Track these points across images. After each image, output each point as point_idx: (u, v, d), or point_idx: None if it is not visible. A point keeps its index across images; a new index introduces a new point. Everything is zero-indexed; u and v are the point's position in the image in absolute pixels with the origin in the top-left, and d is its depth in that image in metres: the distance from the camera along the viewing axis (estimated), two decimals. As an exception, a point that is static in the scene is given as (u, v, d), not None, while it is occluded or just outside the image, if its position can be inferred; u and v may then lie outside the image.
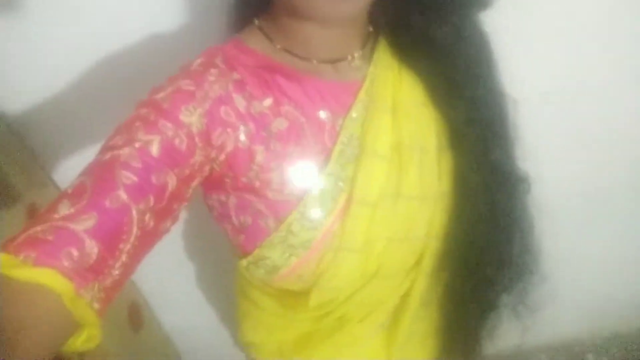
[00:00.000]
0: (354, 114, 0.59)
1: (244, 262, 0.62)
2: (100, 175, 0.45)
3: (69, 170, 0.93)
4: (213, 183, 0.57)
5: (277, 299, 0.69)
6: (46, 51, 0.82)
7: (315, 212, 0.56)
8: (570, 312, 1.55)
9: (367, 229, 0.58)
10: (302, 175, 0.56)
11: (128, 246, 0.44)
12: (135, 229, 0.45)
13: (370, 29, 0.65)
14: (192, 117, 0.50)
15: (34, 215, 0.79)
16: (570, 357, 1.63)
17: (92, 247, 0.41)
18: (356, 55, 0.62)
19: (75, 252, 0.40)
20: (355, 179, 0.57)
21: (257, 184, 0.55)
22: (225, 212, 0.59)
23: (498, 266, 0.68)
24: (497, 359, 1.60)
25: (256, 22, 0.62)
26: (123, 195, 0.44)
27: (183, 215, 1.01)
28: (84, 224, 0.41)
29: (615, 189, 1.24)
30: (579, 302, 1.52)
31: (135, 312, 1.07)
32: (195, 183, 0.52)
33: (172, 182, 0.48)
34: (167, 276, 1.17)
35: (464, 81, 0.62)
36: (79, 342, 0.42)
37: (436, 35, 0.60)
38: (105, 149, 0.48)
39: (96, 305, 0.42)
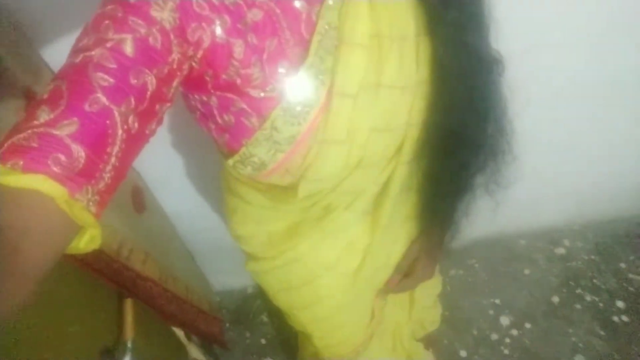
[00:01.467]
0: (330, 1, 0.56)
1: (230, 161, 0.62)
2: (75, 78, 0.43)
3: (64, 55, 0.91)
4: (193, 82, 0.55)
5: (266, 193, 0.70)
6: None
7: (297, 107, 0.56)
8: (549, 200, 1.64)
9: (350, 120, 0.58)
10: (282, 69, 0.54)
11: (116, 149, 0.44)
12: (120, 132, 0.44)
13: None
14: (163, 13, 0.47)
15: (31, 99, 0.77)
16: (547, 242, 1.74)
17: (79, 152, 0.40)
18: None
19: (62, 158, 0.39)
20: (335, 70, 0.56)
21: (238, 80, 0.53)
22: (208, 112, 0.58)
23: (473, 148, 0.68)
24: (479, 244, 1.72)
25: None
26: (102, 98, 0.42)
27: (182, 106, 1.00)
28: (67, 129, 0.40)
29: (603, 79, 1.24)
30: (558, 190, 1.60)
31: (138, 195, 1.10)
32: (175, 83, 0.50)
33: (151, 82, 0.46)
34: (168, 163, 1.18)
35: None
36: (82, 243, 0.43)
37: None
38: (75, 51, 0.45)
39: (92, 209, 0.42)
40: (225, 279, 1.71)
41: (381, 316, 1.00)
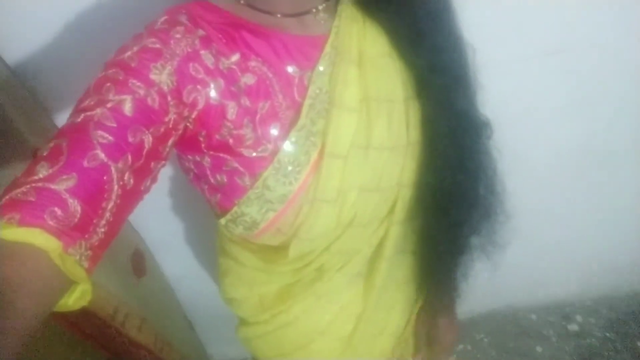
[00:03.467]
0: (321, 67, 0.60)
1: (222, 221, 0.63)
2: (75, 136, 0.44)
3: None
4: (188, 143, 0.57)
5: (258, 254, 0.70)
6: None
7: (289, 167, 0.57)
8: (560, 274, 1.60)
9: (340, 180, 0.59)
10: (274, 130, 0.57)
11: (111, 204, 0.45)
12: (116, 187, 0.45)
13: None
14: (161, 75, 0.50)
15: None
16: (559, 317, 1.68)
17: (75, 206, 0.41)
18: (320, 7, 0.61)
19: (59, 212, 0.40)
20: (326, 132, 0.58)
21: (231, 140, 0.55)
22: (201, 173, 0.60)
23: (466, 209, 0.69)
24: (488, 318, 1.66)
25: None
26: (101, 154, 0.44)
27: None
28: (65, 184, 0.41)
29: (612, 149, 1.25)
30: (570, 263, 1.56)
31: (139, 259, 1.09)
32: (171, 142, 0.52)
33: (148, 140, 0.48)
34: (170, 226, 1.19)
35: (425, 30, 0.62)
36: (72, 299, 0.43)
37: None
38: (76, 111, 0.47)
39: (85, 264, 0.42)
40: (224, 348, 1.65)
41: None
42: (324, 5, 0.61)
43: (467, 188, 0.68)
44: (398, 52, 0.64)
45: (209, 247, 1.29)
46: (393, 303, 0.81)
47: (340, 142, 0.59)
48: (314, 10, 0.61)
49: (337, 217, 0.62)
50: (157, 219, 1.15)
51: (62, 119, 0.94)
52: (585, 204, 1.38)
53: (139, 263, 1.09)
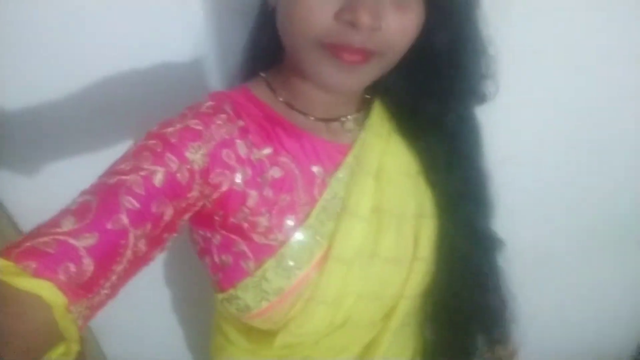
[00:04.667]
0: (340, 174, 0.63)
1: (219, 297, 0.63)
2: (106, 197, 0.47)
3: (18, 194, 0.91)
4: (202, 219, 0.59)
5: (246, 335, 0.71)
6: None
7: (290, 262, 0.59)
8: (554, 334, 1.53)
9: (341, 285, 0.60)
10: (288, 223, 0.59)
11: (120, 268, 0.46)
12: (129, 252, 0.47)
13: (367, 96, 0.70)
14: (196, 155, 0.53)
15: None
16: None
17: (89, 265, 0.43)
18: (350, 117, 0.67)
19: (72, 268, 0.42)
20: (335, 236, 0.60)
21: (245, 225, 0.58)
22: (207, 248, 0.61)
23: (478, 319, 0.73)
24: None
25: (263, 74, 0.67)
26: (125, 219, 0.46)
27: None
28: (85, 242, 0.43)
29: (596, 237, 1.24)
30: (553, 349, 1.51)
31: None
32: (187, 216, 0.55)
33: (168, 212, 0.51)
34: (114, 309, 1.12)
35: (458, 161, 0.67)
36: (55, 355, 0.42)
37: (442, 121, 0.66)
38: (111, 172, 0.50)
39: (80, 322, 0.43)
40: None
41: None
42: (354, 116, 0.67)
43: (480, 301, 0.71)
44: (425, 174, 0.68)
45: (155, 326, 1.23)
46: None
47: (347, 248, 0.61)
48: (343, 119, 0.66)
49: (331, 318, 0.62)
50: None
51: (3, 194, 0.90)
52: (573, 294, 1.35)
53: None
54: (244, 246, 0.58)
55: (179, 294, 1.16)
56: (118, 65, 0.82)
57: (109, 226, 0.45)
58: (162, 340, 1.25)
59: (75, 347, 0.43)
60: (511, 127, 0.88)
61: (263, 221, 0.58)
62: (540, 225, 1.15)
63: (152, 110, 0.58)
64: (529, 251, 1.09)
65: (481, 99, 0.67)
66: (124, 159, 0.52)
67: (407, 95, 0.67)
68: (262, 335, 0.67)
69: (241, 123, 0.59)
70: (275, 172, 0.59)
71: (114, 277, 0.46)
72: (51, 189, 0.48)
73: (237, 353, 0.73)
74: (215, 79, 0.86)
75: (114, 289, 0.47)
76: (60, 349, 0.42)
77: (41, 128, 0.85)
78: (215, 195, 0.56)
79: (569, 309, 1.39)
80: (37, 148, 0.87)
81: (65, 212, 0.45)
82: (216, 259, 0.61)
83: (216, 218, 0.58)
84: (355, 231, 0.61)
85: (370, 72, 0.57)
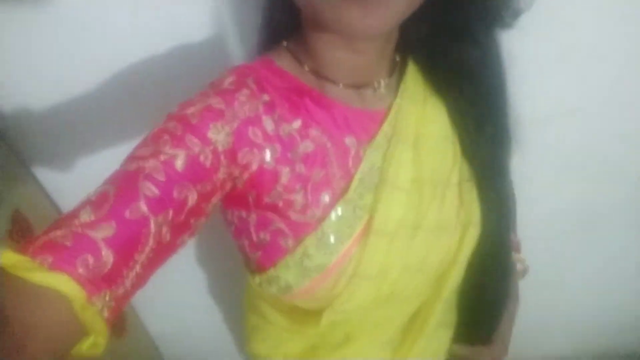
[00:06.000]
0: (375, 145, 0.60)
1: (257, 279, 0.63)
2: (124, 185, 0.45)
3: (58, 175, 0.95)
4: (235, 199, 0.57)
5: (287, 314, 0.69)
6: (37, 55, 0.82)
7: (331, 238, 0.57)
8: (556, 333, 1.56)
9: (384, 258, 0.59)
10: (324, 199, 0.57)
11: (143, 257, 0.44)
12: (151, 241, 0.45)
13: (398, 58, 0.67)
14: (219, 135, 0.51)
15: (18, 220, 0.78)
16: (556, 376, 1.62)
17: (108, 257, 0.41)
18: (382, 82, 0.63)
19: (91, 260, 0.40)
20: (375, 209, 0.58)
21: (280, 204, 0.56)
22: (244, 228, 0.60)
23: (506, 282, 0.74)
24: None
25: (285, 43, 0.63)
26: (143, 207, 0.44)
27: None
28: (103, 233, 0.42)
29: (605, 210, 1.25)
30: (566, 323, 1.53)
31: (119, 319, 1.06)
32: (215, 199, 0.53)
33: (192, 197, 0.48)
34: (155, 282, 1.16)
35: (487, 114, 0.64)
36: (85, 347, 0.42)
37: (467, 57, 0.62)
38: (131, 158, 0.48)
39: (106, 313, 0.42)
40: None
41: None
42: (386, 80, 0.63)
43: (509, 262, 0.73)
44: (457, 137, 0.65)
45: (198, 304, 1.28)
46: None
47: (388, 220, 0.58)
48: (375, 84, 0.62)
49: (376, 293, 0.61)
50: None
51: (43, 176, 0.94)
52: (578, 265, 1.37)
53: (119, 322, 1.06)
54: (281, 224, 0.57)
55: (218, 272, 1.19)
56: (139, 49, 0.83)
57: (127, 215, 0.43)
58: (201, 317, 1.29)
59: (102, 340, 0.42)
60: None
61: (298, 198, 0.56)
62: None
63: (176, 93, 0.56)
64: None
65: (504, 22, 0.61)
66: (144, 143, 0.50)
67: (434, 42, 0.63)
68: (306, 315, 0.66)
69: (266, 97, 0.56)
70: (306, 146, 0.57)
71: (137, 267, 0.44)
72: (92, 179, 0.49)
73: (276, 332, 0.73)
74: (238, 58, 0.85)
75: (140, 279, 0.45)
76: (87, 342, 0.42)
77: (73, 121, 0.89)
78: (245, 176, 0.54)
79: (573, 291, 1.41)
80: (72, 141, 0.91)
81: (84, 203, 0.44)
82: (254, 238, 0.59)
83: (249, 198, 0.57)
84: (395, 203, 0.59)
85: (395, 6, 0.49)
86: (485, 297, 0.72)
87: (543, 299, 1.35)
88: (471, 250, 0.66)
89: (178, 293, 1.23)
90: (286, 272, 0.59)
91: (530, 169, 1.08)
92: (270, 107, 0.56)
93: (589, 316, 1.52)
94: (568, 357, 1.65)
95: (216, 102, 0.52)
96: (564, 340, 1.60)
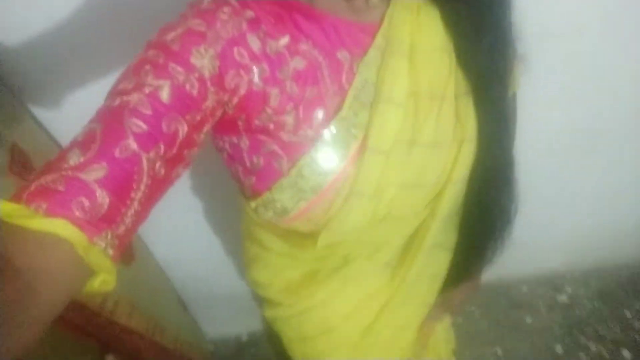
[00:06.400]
0: (369, 58, 0.57)
1: (252, 204, 0.62)
2: (110, 123, 0.43)
3: (54, 110, 0.93)
4: (224, 125, 0.55)
5: (284, 238, 0.69)
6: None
7: (326, 157, 0.55)
8: (551, 247, 1.62)
9: (380, 176, 0.57)
10: (317, 116, 0.55)
11: (139, 194, 0.44)
12: (145, 178, 0.44)
13: None
14: (203, 60, 0.48)
15: (16, 153, 0.78)
16: (549, 289, 1.70)
17: (104, 197, 0.41)
18: None
19: (86, 202, 0.40)
20: (370, 126, 0.56)
21: (271, 126, 0.54)
22: (236, 154, 0.58)
23: (506, 202, 0.71)
24: (480, 291, 1.67)
25: None
26: (133, 144, 0.43)
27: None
28: (94, 174, 0.41)
29: (606, 128, 1.25)
30: (560, 236, 1.58)
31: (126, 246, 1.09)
32: (206, 128, 0.51)
33: (182, 129, 0.46)
34: (160, 210, 1.18)
35: (487, 22, 0.59)
36: (95, 285, 0.42)
37: None
38: (113, 93, 0.46)
39: (111, 252, 0.42)
40: (219, 327, 1.68)
41: None
42: None
43: (509, 179, 0.69)
44: (454, 47, 0.61)
45: (202, 229, 1.31)
46: (423, 299, 0.80)
47: (384, 137, 0.56)
48: None
49: (372, 212, 0.60)
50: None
51: (40, 111, 0.92)
52: (574, 182, 1.39)
53: (127, 250, 1.09)
54: (274, 146, 0.55)
55: (222, 198, 1.20)
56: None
57: (117, 154, 0.42)
58: (206, 243, 1.32)
59: (111, 278, 0.43)
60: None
61: (289, 119, 0.54)
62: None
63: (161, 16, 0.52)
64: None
65: None
66: (125, 75, 0.47)
67: None
68: (303, 238, 0.65)
69: (250, 13, 0.52)
70: (297, 63, 0.53)
71: (135, 204, 0.43)
72: (87, 111, 0.47)
73: (274, 259, 0.73)
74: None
75: (140, 215, 0.44)
76: (97, 280, 0.42)
77: (67, 54, 0.87)
78: (235, 100, 0.52)
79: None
80: (66, 74, 0.89)
81: (72, 145, 0.42)
82: (247, 163, 0.58)
83: (239, 123, 0.55)
84: (391, 119, 0.56)
85: None
86: (485, 217, 0.70)
87: (542, 215, 1.39)
88: (467, 167, 0.63)
89: (182, 220, 1.25)
90: (282, 195, 0.58)
91: (534, 86, 1.07)
92: (254, 24, 0.52)
93: (584, 232, 1.57)
94: (560, 272, 1.72)
95: (196, 24, 0.49)
96: (559, 255, 1.67)
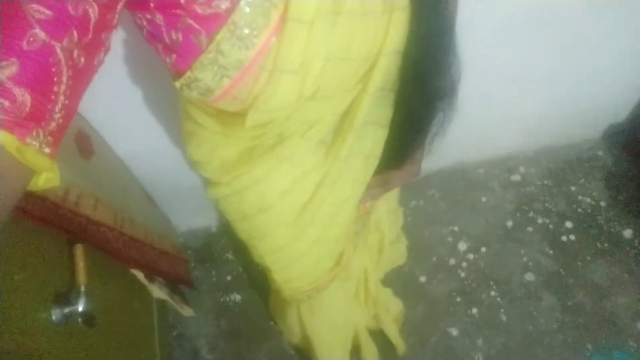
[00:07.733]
0: None
1: (177, 84, 0.60)
2: (6, 10, 0.39)
3: None
4: (136, 2, 0.51)
5: (216, 118, 0.69)
6: None
7: (245, 30, 0.52)
8: (506, 129, 1.67)
9: (304, 49, 0.54)
10: None
11: (63, 87, 0.41)
12: (65, 69, 0.41)
13: None
14: None
15: None
16: (504, 170, 1.79)
17: (24, 95, 0.38)
18: None
19: (6, 103, 0.37)
20: None
21: (182, 0, 0.50)
22: (155, 31, 0.55)
23: (442, 75, 0.68)
24: (439, 175, 1.75)
25: None
26: (41, 33, 0.39)
27: (122, 37, 0.94)
28: (6, 72, 0.37)
29: (551, 3, 1.23)
30: (515, 119, 1.63)
31: (83, 140, 1.06)
32: (120, 6, 0.47)
33: (93, 10, 0.42)
34: (115, 105, 1.13)
35: None
36: (40, 183, 0.42)
37: None
38: None
39: (47, 150, 0.41)
40: (188, 219, 1.71)
41: (349, 263, 1.01)
42: None
43: (446, 53, 0.65)
44: None
45: (158, 120, 1.27)
46: (357, 177, 0.81)
47: (305, 5, 0.52)
48: None
49: (299, 88, 0.58)
50: (99, 99, 1.09)
51: None
52: (528, 61, 1.39)
53: (85, 144, 1.06)
54: (189, 20, 0.51)
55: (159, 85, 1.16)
56: None
57: (25, 47, 0.38)
58: (163, 134, 1.29)
59: (54, 174, 0.43)
60: None
61: None
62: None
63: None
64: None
65: None
66: None
67: None
68: (232, 117, 0.65)
69: None
70: None
71: (61, 98, 0.41)
72: None
73: (209, 136, 0.73)
74: None
75: (70, 108, 0.43)
76: (40, 180, 0.42)
77: None
78: None
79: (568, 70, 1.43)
80: None
81: None
82: (166, 39, 0.54)
83: None
84: None
85: None
86: (422, 90, 0.68)
87: (502, 96, 1.41)
88: (401, 37, 0.60)
89: (139, 114, 1.21)
90: (203, 74, 0.56)
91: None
92: None
93: (538, 113, 1.62)
94: (514, 154, 1.80)
95: None
96: (513, 137, 1.73)
